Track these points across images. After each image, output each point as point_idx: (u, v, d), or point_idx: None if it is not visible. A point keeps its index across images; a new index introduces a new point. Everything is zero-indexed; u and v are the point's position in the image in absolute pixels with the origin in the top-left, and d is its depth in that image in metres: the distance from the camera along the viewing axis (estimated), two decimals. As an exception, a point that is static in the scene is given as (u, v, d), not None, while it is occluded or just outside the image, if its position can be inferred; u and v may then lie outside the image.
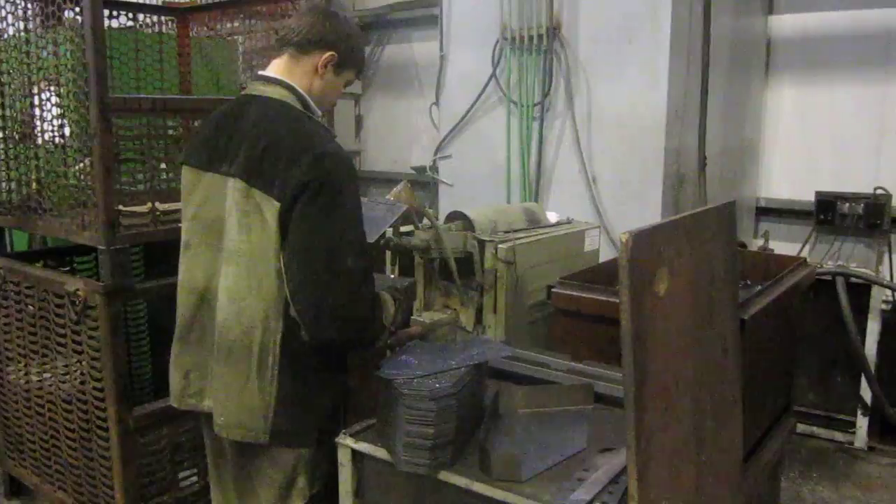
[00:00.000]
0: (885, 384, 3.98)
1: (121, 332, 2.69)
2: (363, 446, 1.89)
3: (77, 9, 2.53)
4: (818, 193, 4.58)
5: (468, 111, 4.52)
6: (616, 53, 3.96)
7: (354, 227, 1.85)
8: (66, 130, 2.78)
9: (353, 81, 2.14)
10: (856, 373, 4.03)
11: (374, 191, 6.16)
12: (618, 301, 1.39)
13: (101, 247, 2.58)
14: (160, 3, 4.18)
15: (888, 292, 4.03)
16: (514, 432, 1.89)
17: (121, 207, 2.63)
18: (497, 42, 4.34)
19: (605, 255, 3.50)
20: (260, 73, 2.05)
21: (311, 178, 1.77)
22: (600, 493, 1.61)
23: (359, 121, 6.67)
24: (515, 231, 2.96)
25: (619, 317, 1.39)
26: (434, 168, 4.82)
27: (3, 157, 3.09)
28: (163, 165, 2.99)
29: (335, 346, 1.91)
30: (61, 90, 2.75)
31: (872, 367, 3.96)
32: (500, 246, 2.73)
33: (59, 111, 2.82)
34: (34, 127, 2.94)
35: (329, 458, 1.98)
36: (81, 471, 2.92)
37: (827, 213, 4.54)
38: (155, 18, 3.84)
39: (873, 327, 3.97)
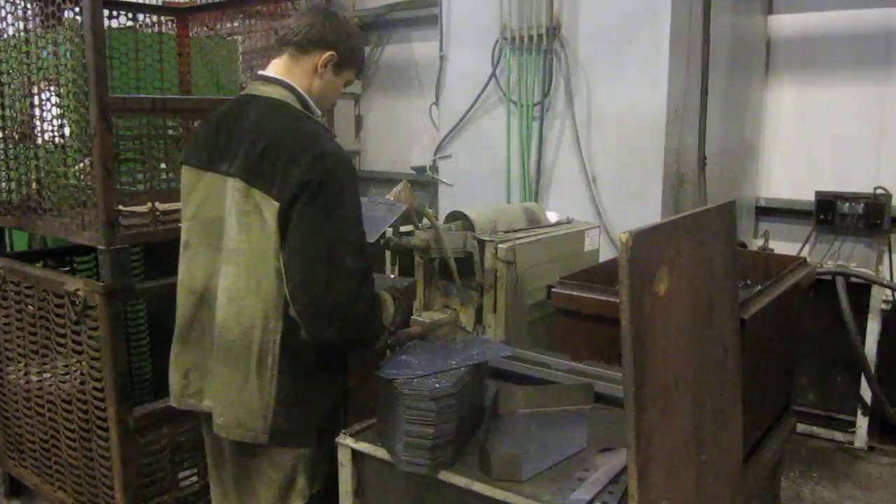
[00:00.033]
0: (885, 384, 3.98)
1: (121, 332, 2.69)
2: (363, 446, 1.89)
3: (77, 9, 2.53)
4: (818, 193, 4.58)
5: (468, 111, 4.52)
6: (616, 53, 3.96)
7: (354, 226, 1.85)
8: (66, 130, 2.78)
9: (353, 81, 2.14)
10: (856, 373, 4.03)
11: (374, 191, 6.16)
12: (618, 301, 1.39)
13: (101, 247, 2.58)
14: (160, 3, 4.18)
15: (888, 292, 4.03)
16: (514, 432, 1.89)
17: (121, 207, 2.63)
18: (497, 42, 4.33)
19: (605, 254, 3.50)
20: (260, 72, 2.05)
21: (310, 177, 1.77)
22: (600, 493, 1.61)
23: (359, 121, 6.67)
24: (515, 231, 2.96)
25: (619, 317, 1.39)
26: (434, 168, 4.82)
27: (2, 157, 3.09)
28: (163, 165, 2.99)
29: (335, 345, 1.91)
30: (61, 90, 2.75)
31: (872, 367, 3.95)
32: (500, 246, 2.73)
33: (58, 111, 2.82)
34: (34, 127, 2.94)
35: (329, 458, 1.98)
36: (81, 471, 2.92)
37: (827, 212, 4.54)
38: (155, 18, 3.84)
39: (873, 327, 3.97)
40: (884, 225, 4.40)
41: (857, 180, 4.52)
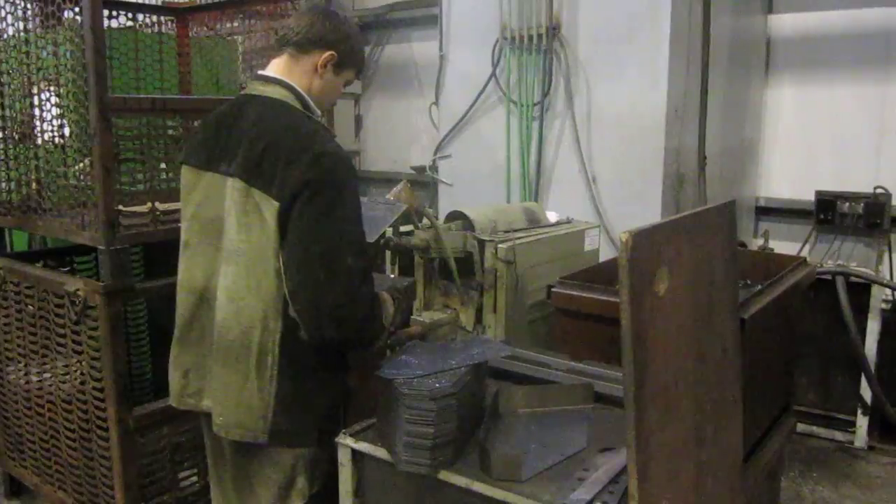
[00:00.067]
0: (885, 384, 3.98)
1: (121, 332, 2.69)
2: (363, 446, 1.89)
3: (76, 9, 2.53)
4: (818, 193, 4.58)
5: (468, 111, 4.52)
6: (616, 53, 3.96)
7: (353, 226, 1.85)
8: (66, 130, 2.78)
9: (353, 81, 2.14)
10: (856, 372, 4.03)
11: (374, 191, 6.17)
12: (618, 301, 1.39)
13: (100, 247, 2.58)
14: (160, 3, 4.18)
15: (888, 292, 4.03)
16: (515, 432, 1.89)
17: (121, 207, 2.63)
18: (497, 42, 4.34)
19: (605, 254, 3.50)
20: (259, 72, 2.05)
21: (310, 177, 1.77)
22: (600, 493, 1.61)
23: (358, 121, 6.67)
24: (515, 231, 2.96)
25: (619, 316, 1.39)
26: (434, 168, 4.82)
27: (2, 157, 3.09)
28: (163, 165, 2.99)
29: (334, 345, 1.91)
30: (61, 90, 2.75)
31: (872, 367, 3.95)
32: (499, 246, 2.73)
33: (58, 111, 2.82)
34: (34, 127, 2.94)
35: (329, 458, 1.98)
36: (81, 471, 2.92)
37: (827, 212, 4.54)
38: (154, 18, 3.83)
39: (873, 327, 3.97)
40: (884, 225, 4.40)
41: (857, 180, 4.52)
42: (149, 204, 2.71)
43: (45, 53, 2.79)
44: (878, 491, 3.67)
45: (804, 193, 4.69)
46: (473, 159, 4.57)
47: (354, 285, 1.80)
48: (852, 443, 4.09)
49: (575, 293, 2.53)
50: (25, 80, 2.90)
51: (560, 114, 4.20)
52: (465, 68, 4.53)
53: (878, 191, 4.42)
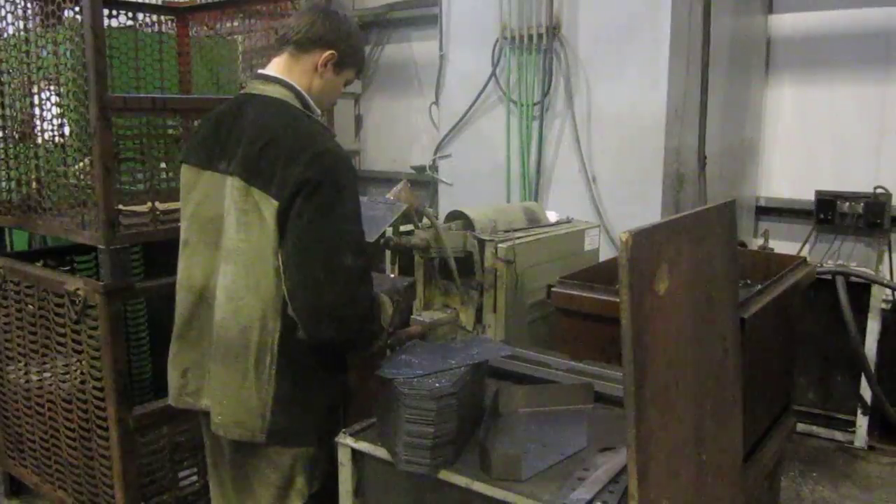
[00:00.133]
0: (885, 384, 3.98)
1: (121, 332, 2.69)
2: (363, 446, 1.89)
3: (77, 8, 2.53)
4: (818, 193, 4.58)
5: (468, 111, 4.52)
6: (616, 53, 3.96)
7: (353, 225, 1.84)
8: (66, 130, 2.78)
9: (353, 80, 2.14)
10: (856, 372, 4.03)
11: (374, 190, 6.16)
12: (618, 300, 1.39)
13: (100, 246, 2.58)
14: (160, 2, 4.18)
15: (888, 291, 4.03)
16: (515, 431, 1.89)
17: (120, 207, 2.63)
18: (497, 41, 4.33)
19: (605, 254, 3.50)
20: (259, 71, 2.05)
21: (309, 176, 1.77)
22: (600, 493, 1.61)
23: (358, 120, 6.67)
24: (515, 230, 2.97)
25: (619, 316, 1.39)
26: (434, 167, 4.82)
27: (2, 156, 3.09)
28: (162, 165, 2.99)
29: (333, 345, 1.90)
30: (61, 89, 2.75)
31: (872, 367, 3.96)
32: (499, 245, 2.74)
33: (58, 110, 2.82)
34: (34, 126, 2.94)
35: (328, 458, 1.98)
36: (81, 470, 2.92)
37: (827, 212, 4.54)
38: (154, 18, 3.83)
39: (873, 327, 3.98)
40: (884, 224, 4.40)
41: (857, 180, 4.52)
42: (149, 203, 2.71)
43: (45, 52, 2.79)
44: (877, 491, 3.67)
45: (804, 193, 4.69)
46: (473, 159, 4.57)
47: (353, 284, 1.79)
48: (852, 443, 4.09)
49: (575, 293, 2.53)
50: (25, 79, 2.90)
51: (560, 113, 4.20)
52: (465, 68, 4.53)
53: (878, 191, 4.42)
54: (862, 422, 4.06)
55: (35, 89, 2.89)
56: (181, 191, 2.05)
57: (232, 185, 1.88)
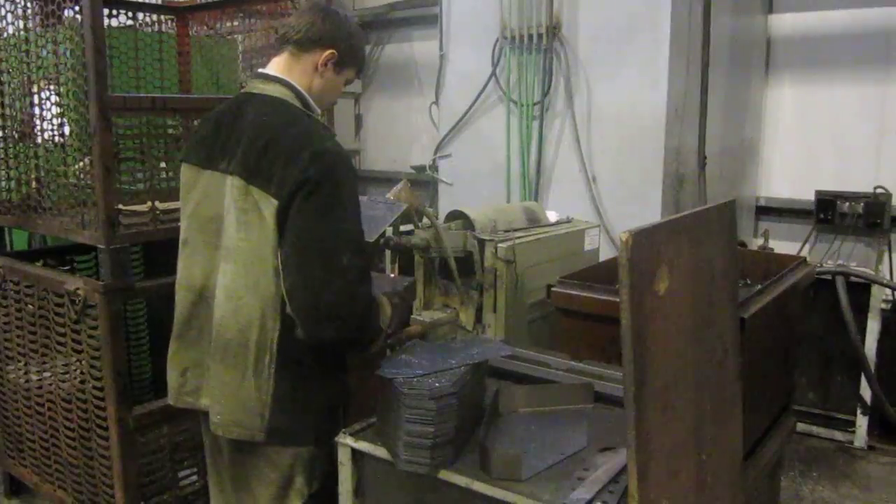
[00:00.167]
0: (885, 384, 3.98)
1: (121, 331, 2.69)
2: (363, 445, 1.89)
3: (77, 8, 2.53)
4: (818, 192, 4.58)
5: (468, 110, 4.52)
6: (616, 53, 3.96)
7: (352, 224, 1.84)
8: (66, 129, 2.78)
9: (354, 80, 2.14)
10: (856, 372, 4.03)
11: (374, 190, 6.16)
12: (618, 300, 1.39)
13: (100, 246, 2.58)
14: (160, 2, 4.18)
15: (888, 291, 4.03)
16: (515, 431, 1.89)
17: (120, 206, 2.63)
18: (497, 41, 4.33)
19: (605, 254, 3.50)
20: (259, 70, 2.05)
21: (309, 175, 1.77)
22: (600, 493, 1.61)
23: (358, 120, 6.67)
24: (515, 230, 2.96)
25: (620, 316, 1.39)
26: (434, 167, 4.81)
27: (2, 155, 3.09)
28: (162, 164, 2.99)
29: (331, 345, 1.90)
30: (61, 89, 2.74)
31: (872, 367, 3.96)
32: (499, 245, 2.73)
33: (58, 110, 2.81)
34: (34, 126, 2.94)
35: (328, 458, 1.98)
36: (81, 470, 2.92)
37: (827, 212, 4.55)
38: (154, 17, 3.83)
39: (873, 327, 3.98)
40: (884, 224, 4.41)
41: (857, 180, 4.53)
42: (149, 203, 2.71)
43: (45, 52, 2.79)
44: (877, 491, 3.67)
45: (804, 193, 4.69)
46: (473, 159, 4.57)
47: (351, 284, 1.79)
48: (852, 443, 4.09)
49: (575, 293, 2.52)
50: (25, 78, 2.90)
51: (560, 113, 4.20)
52: (465, 68, 4.53)
53: (878, 191, 4.42)
54: (862, 422, 4.06)
55: (35, 89, 2.89)
56: (181, 190, 2.05)
57: (232, 185, 1.88)
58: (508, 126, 4.35)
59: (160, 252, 2.64)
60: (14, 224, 3.17)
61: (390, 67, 6.36)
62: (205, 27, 3.87)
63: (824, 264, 4.16)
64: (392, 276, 2.91)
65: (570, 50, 4.11)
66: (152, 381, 3.37)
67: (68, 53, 2.63)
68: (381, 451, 1.85)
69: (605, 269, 2.79)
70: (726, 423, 1.88)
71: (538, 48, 4.17)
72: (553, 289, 2.58)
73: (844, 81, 4.64)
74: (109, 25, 3.42)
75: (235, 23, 3.76)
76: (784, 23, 4.82)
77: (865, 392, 4.02)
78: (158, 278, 2.74)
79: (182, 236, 2.04)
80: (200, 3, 3.85)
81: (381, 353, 2.10)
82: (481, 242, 2.74)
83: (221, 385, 1.92)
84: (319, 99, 2.03)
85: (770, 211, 4.97)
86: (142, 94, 3.44)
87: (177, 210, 2.14)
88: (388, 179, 6.03)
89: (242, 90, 2.09)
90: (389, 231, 2.39)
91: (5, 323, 3.15)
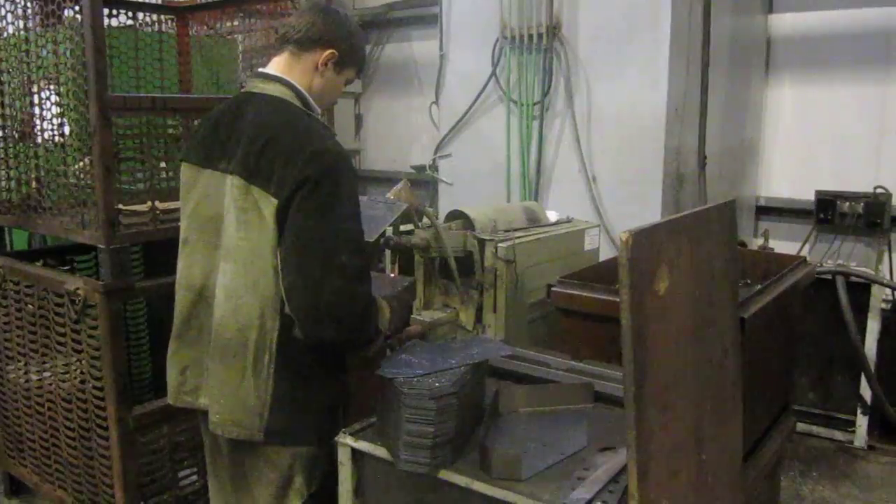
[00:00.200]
0: (885, 383, 3.98)
1: (121, 331, 2.69)
2: (363, 445, 1.89)
3: (77, 7, 2.53)
4: (818, 192, 4.58)
5: (468, 110, 4.52)
6: (616, 53, 3.96)
7: (351, 224, 1.84)
8: (66, 129, 2.78)
9: (354, 80, 2.14)
10: (856, 372, 4.03)
11: (374, 190, 6.16)
12: (618, 300, 1.39)
13: (100, 246, 2.58)
14: (160, 1, 4.18)
15: (888, 291, 4.03)
16: (515, 431, 1.88)
17: (120, 206, 2.63)
18: (497, 41, 4.33)
19: (605, 254, 3.50)
20: (260, 70, 2.05)
21: (308, 174, 1.77)
22: (600, 492, 1.61)
23: (358, 120, 6.67)
24: (515, 230, 2.96)
25: (620, 316, 1.39)
26: (434, 167, 4.82)
27: (2, 155, 3.09)
28: (163, 164, 2.99)
29: (330, 345, 1.90)
30: (61, 89, 2.74)
31: (872, 367, 3.96)
32: (500, 245, 2.73)
33: (58, 110, 2.82)
34: (34, 126, 2.94)
35: (327, 458, 1.98)
36: (81, 470, 2.92)
37: (827, 212, 4.55)
38: (155, 17, 3.83)
39: (873, 326, 3.98)
40: (884, 224, 4.41)
41: (857, 180, 4.52)
42: (149, 203, 2.71)
43: (45, 52, 2.79)
44: (877, 491, 3.67)
45: (804, 193, 4.69)
46: (473, 158, 4.57)
47: (352, 284, 1.79)
48: (852, 442, 4.09)
49: (575, 292, 2.53)
50: (25, 78, 2.90)
51: (560, 113, 4.20)
52: (465, 67, 4.53)
53: (878, 191, 4.42)
54: (862, 422, 4.06)
55: (35, 89, 2.89)
56: (181, 189, 2.05)
57: (232, 184, 1.88)
58: (508, 126, 4.35)
59: (160, 252, 2.64)
60: (14, 224, 3.17)
61: (390, 67, 6.36)
62: (205, 27, 3.87)
63: (824, 264, 4.16)
64: (392, 276, 2.91)
65: (570, 50, 4.11)
66: (152, 380, 3.37)
67: (68, 53, 2.63)
68: (381, 451, 1.85)
69: (605, 268, 2.80)
70: (726, 422, 1.88)
71: (538, 48, 4.17)
72: (553, 288, 2.58)
73: (844, 81, 4.64)
74: (109, 25, 3.42)
75: (235, 23, 3.76)
76: (784, 23, 4.82)
77: (865, 392, 4.02)
78: (158, 278, 2.74)
79: (182, 236, 2.03)
80: (200, 2, 3.85)
81: (381, 353, 2.10)
82: (481, 242, 2.74)
83: (221, 384, 1.92)
84: (319, 98, 2.03)
85: (770, 211, 4.97)
86: (142, 94, 3.44)
87: (177, 210, 2.14)
88: (388, 179, 6.03)
89: (242, 90, 2.09)
90: (389, 231, 2.39)
91: (5, 323, 3.15)
